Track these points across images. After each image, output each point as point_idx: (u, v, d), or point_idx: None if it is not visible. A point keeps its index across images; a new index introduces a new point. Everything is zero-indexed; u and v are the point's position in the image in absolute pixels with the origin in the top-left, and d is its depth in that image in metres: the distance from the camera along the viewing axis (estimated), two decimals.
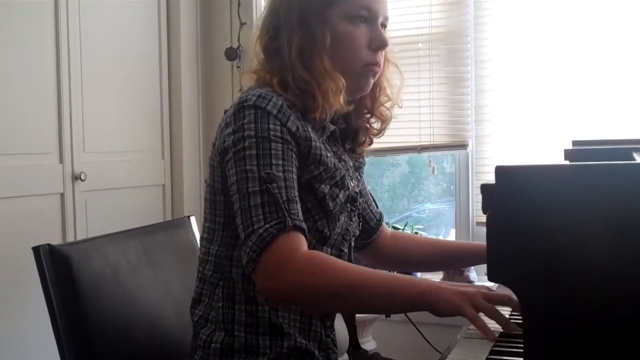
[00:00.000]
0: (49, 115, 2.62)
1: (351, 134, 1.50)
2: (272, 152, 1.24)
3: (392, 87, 1.49)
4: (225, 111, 1.36)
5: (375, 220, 1.65)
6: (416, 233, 3.10)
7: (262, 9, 1.51)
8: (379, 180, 3.94)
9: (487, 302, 1.13)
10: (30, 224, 2.52)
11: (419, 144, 2.98)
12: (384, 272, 1.29)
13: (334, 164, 1.35)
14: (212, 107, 3.41)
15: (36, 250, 1.35)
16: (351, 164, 1.48)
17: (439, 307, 1.14)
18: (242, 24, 3.29)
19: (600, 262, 0.82)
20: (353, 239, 1.49)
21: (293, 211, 1.22)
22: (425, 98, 2.97)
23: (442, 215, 4.04)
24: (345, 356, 1.66)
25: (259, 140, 1.24)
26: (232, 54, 3.31)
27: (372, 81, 1.42)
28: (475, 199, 2.99)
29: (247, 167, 1.23)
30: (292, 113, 1.30)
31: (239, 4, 3.30)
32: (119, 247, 1.53)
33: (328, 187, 1.33)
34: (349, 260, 1.47)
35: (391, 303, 1.23)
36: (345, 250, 1.44)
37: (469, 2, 2.90)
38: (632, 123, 2.60)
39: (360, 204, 1.51)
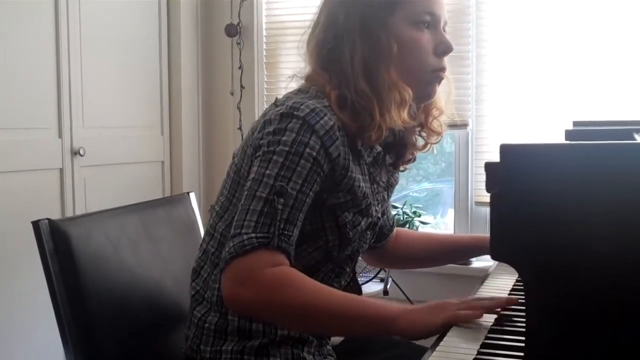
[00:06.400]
0: (48, 90, 2.60)
1: (398, 149, 1.45)
2: (298, 168, 1.20)
3: (439, 98, 1.43)
4: (276, 100, 1.32)
5: (388, 226, 1.61)
6: (415, 212, 3.10)
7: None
8: None
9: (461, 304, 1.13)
10: (29, 199, 2.52)
11: None
12: (354, 296, 1.20)
13: (364, 193, 1.32)
14: (212, 84, 3.39)
15: (36, 224, 1.34)
16: (384, 181, 1.43)
17: (410, 332, 1.11)
18: (242, 0, 3.26)
19: (605, 241, 0.82)
20: (360, 255, 1.46)
21: (286, 232, 1.18)
22: None
23: (441, 195, 4.04)
24: None
25: (291, 152, 1.20)
26: (232, 31, 3.28)
27: (437, 88, 1.37)
28: (475, 179, 2.99)
29: (267, 172, 1.20)
30: (340, 137, 1.25)
31: None
32: (118, 222, 1.52)
33: (351, 214, 1.31)
34: (352, 276, 1.45)
35: (350, 331, 1.20)
36: (348, 269, 1.42)
37: None
38: (631, 104, 2.59)
39: (382, 222, 1.47)
